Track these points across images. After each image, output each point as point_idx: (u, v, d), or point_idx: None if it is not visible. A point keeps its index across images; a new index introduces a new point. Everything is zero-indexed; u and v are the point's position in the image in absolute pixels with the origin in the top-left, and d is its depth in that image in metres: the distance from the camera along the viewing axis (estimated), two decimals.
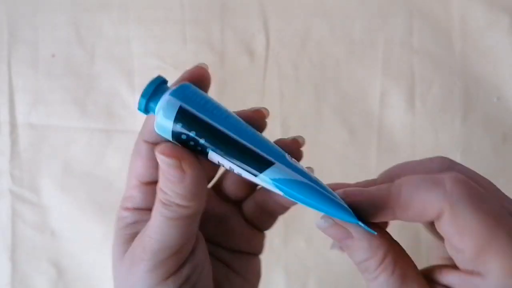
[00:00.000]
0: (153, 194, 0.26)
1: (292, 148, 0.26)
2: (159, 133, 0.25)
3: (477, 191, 0.22)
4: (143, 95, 0.25)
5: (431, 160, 0.26)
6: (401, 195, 0.23)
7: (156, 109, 0.25)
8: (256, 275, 0.31)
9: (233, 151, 0.23)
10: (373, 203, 0.23)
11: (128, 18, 0.56)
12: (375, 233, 0.23)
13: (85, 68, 0.56)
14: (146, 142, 0.26)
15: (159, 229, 0.24)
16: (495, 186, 0.25)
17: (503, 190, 0.24)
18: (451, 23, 0.55)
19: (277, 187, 0.23)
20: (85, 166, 0.55)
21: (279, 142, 0.26)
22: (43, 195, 0.55)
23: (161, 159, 0.23)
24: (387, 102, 0.55)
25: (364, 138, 0.55)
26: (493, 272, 0.21)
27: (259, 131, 0.25)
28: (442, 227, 0.22)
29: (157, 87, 0.25)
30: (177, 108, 0.24)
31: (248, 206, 0.30)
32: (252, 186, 0.30)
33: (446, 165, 0.25)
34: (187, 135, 0.24)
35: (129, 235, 0.27)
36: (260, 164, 0.23)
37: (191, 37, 0.56)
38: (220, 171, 0.30)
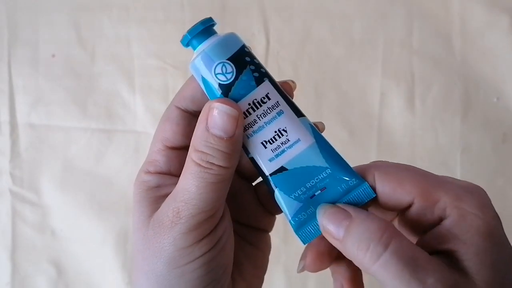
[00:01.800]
0: (176, 159, 0.26)
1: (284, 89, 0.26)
2: (213, 54, 0.24)
3: (398, 164, 0.26)
4: (202, 23, 0.25)
5: None
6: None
7: (220, 35, 0.25)
8: (267, 246, 0.31)
9: (281, 91, 0.25)
10: None
11: (128, 18, 0.56)
12: (375, 194, 0.24)
13: (85, 68, 0.56)
14: (178, 108, 0.26)
15: (196, 194, 0.24)
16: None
17: (502, 190, 0.25)
18: (451, 23, 0.55)
19: (313, 132, 0.25)
20: (85, 166, 0.55)
21: None
22: (43, 195, 0.55)
23: (221, 108, 0.24)
24: (387, 102, 0.55)
25: (364, 138, 0.55)
26: (448, 205, 0.23)
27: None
28: (382, 192, 0.24)
29: (206, 27, 0.25)
30: (242, 41, 0.25)
31: (263, 189, 0.30)
32: None
33: None
34: (252, 60, 0.25)
35: (154, 198, 0.26)
36: (298, 112, 0.25)
37: None
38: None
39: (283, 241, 0.53)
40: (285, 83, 0.27)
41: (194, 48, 0.25)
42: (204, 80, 0.25)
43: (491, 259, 0.22)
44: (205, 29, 0.25)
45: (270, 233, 0.32)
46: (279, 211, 0.29)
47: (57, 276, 0.54)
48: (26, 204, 0.55)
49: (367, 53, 0.55)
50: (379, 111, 0.55)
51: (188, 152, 0.25)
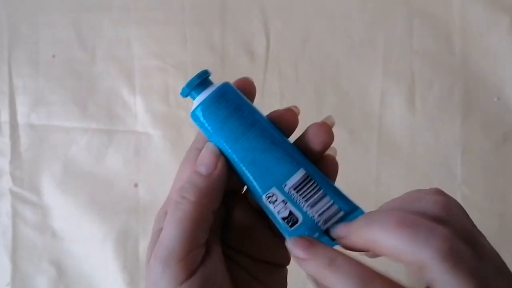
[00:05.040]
0: None
1: (286, 117, 0.27)
2: (201, 113, 0.27)
3: (467, 263, 0.21)
4: (190, 84, 0.27)
5: (425, 198, 0.23)
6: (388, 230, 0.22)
7: (215, 86, 0.27)
8: (280, 286, 0.31)
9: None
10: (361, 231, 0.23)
11: (129, 19, 0.56)
12: (363, 212, 0.24)
13: (85, 68, 0.56)
14: (197, 149, 0.27)
15: (166, 232, 0.25)
16: (488, 246, 0.22)
17: (503, 190, 0.24)
18: (451, 23, 0.55)
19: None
20: (85, 166, 0.55)
21: (273, 114, 0.27)
22: (43, 195, 0.55)
23: (208, 145, 0.26)
24: (387, 102, 0.55)
25: (364, 138, 0.55)
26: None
27: (291, 128, 0.27)
28: (423, 276, 0.21)
29: (203, 80, 0.27)
30: (235, 90, 0.27)
31: None
32: None
33: (442, 210, 0.22)
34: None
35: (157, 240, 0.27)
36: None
37: (192, 38, 0.56)
38: None
39: None
40: (288, 110, 0.27)
41: (193, 98, 0.27)
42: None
43: None
44: (201, 82, 0.27)
45: None
46: None
47: (57, 276, 0.54)
48: (26, 204, 0.55)
49: (367, 53, 0.55)
50: (379, 111, 0.55)
51: None
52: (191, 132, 0.55)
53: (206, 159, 0.26)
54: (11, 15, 0.56)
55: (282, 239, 0.28)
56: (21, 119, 0.56)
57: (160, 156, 0.55)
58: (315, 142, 0.27)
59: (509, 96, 0.54)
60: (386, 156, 0.54)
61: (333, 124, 0.28)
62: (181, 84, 0.60)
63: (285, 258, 0.30)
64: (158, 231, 0.27)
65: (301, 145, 0.27)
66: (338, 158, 0.28)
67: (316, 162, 0.27)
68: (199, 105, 0.27)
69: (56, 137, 0.55)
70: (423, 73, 0.55)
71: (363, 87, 0.55)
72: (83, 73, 0.56)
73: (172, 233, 0.24)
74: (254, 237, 0.29)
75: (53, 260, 0.54)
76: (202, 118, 0.27)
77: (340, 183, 0.27)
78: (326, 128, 0.27)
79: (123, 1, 0.56)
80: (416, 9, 0.55)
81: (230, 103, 0.26)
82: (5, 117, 0.55)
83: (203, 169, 0.26)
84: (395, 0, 0.55)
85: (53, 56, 0.56)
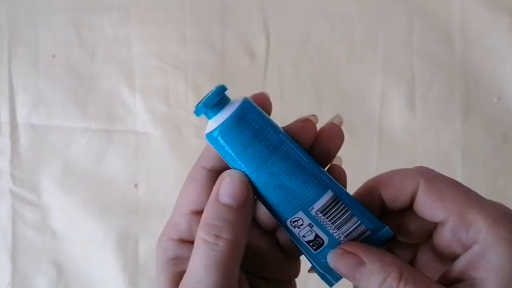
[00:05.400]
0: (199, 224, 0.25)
1: (306, 130, 0.26)
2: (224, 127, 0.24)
3: (443, 176, 0.25)
4: (209, 100, 0.24)
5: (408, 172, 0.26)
6: (383, 177, 0.26)
7: (234, 104, 0.25)
8: None
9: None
10: (363, 191, 0.26)
11: (129, 19, 0.56)
12: (393, 233, 0.24)
13: (85, 68, 0.56)
14: (204, 168, 0.25)
15: (204, 277, 0.23)
16: None
17: (503, 190, 0.25)
18: (451, 23, 0.55)
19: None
20: (85, 166, 0.55)
21: (292, 127, 0.26)
22: (43, 195, 0.55)
23: (233, 174, 0.24)
24: (387, 102, 0.55)
25: (364, 138, 0.55)
26: (483, 229, 0.22)
27: (310, 140, 0.26)
28: (422, 200, 0.24)
29: (221, 98, 0.24)
30: (257, 109, 0.25)
31: (282, 234, 0.28)
32: None
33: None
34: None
35: (172, 274, 0.25)
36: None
37: (192, 37, 0.56)
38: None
39: None
40: (307, 121, 0.26)
41: (209, 118, 0.25)
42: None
43: None
44: (219, 100, 0.24)
45: None
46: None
47: (57, 276, 0.54)
48: (26, 204, 0.55)
49: (367, 53, 0.55)
50: (379, 111, 0.55)
51: (198, 229, 0.24)
52: (191, 132, 0.55)
53: (233, 189, 0.23)
54: (11, 15, 0.56)
55: (293, 257, 0.28)
56: (21, 119, 0.55)
57: (160, 156, 0.55)
58: (329, 145, 0.26)
59: (509, 96, 0.54)
60: (386, 156, 0.54)
61: (341, 123, 0.27)
62: (181, 83, 0.59)
63: (295, 272, 0.29)
64: (169, 261, 0.25)
65: (313, 150, 0.26)
66: None
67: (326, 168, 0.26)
68: (218, 127, 0.24)
69: (56, 137, 0.55)
70: (423, 73, 0.55)
71: (363, 87, 0.55)
72: (83, 73, 0.56)
73: (211, 279, 0.22)
74: (265, 260, 0.27)
75: (53, 260, 0.54)
76: (221, 141, 0.24)
77: None
78: (336, 130, 0.27)
79: (123, 1, 0.56)
80: (416, 9, 0.55)
81: (253, 124, 0.24)
82: (5, 117, 0.55)
83: (231, 201, 0.23)
84: (395, 0, 0.55)
85: (53, 56, 0.56)
